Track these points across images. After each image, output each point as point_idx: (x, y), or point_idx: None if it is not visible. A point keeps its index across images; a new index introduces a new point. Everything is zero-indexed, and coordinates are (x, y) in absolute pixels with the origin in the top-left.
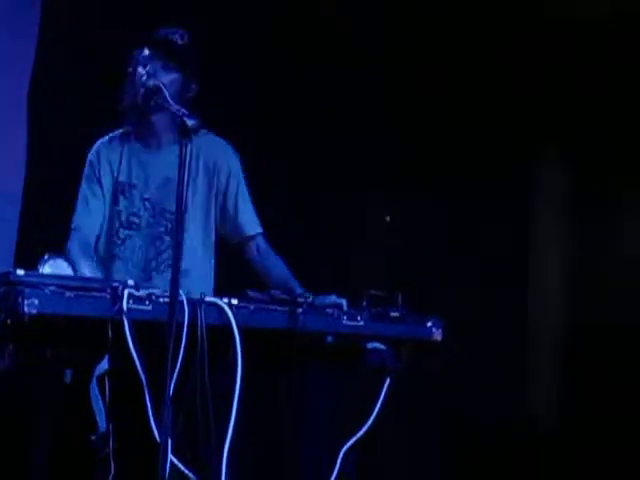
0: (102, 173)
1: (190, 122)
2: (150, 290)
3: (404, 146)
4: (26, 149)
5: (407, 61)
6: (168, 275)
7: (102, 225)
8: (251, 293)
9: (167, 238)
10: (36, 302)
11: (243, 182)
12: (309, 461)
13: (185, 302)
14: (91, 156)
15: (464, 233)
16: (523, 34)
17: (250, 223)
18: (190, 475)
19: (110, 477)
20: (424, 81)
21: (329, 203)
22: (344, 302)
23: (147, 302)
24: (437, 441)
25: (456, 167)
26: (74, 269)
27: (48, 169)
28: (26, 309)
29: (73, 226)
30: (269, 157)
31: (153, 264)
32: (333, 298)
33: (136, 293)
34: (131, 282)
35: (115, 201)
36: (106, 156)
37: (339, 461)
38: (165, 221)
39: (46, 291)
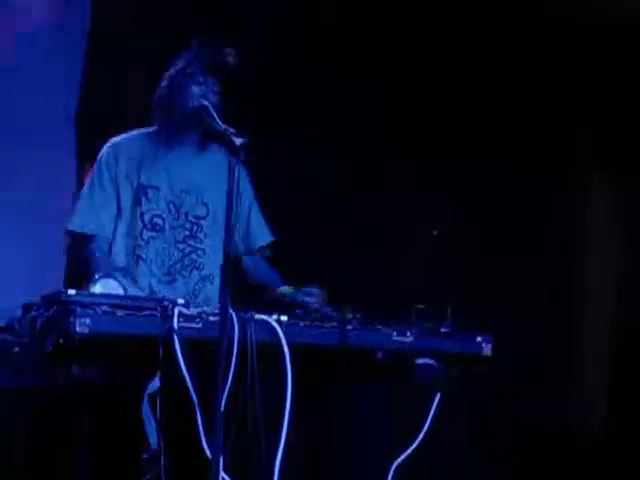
0: (120, 177)
1: (238, 141)
2: (200, 308)
3: (445, 155)
4: (76, 166)
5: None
6: (193, 278)
7: (117, 229)
8: (299, 311)
9: (191, 241)
10: (88, 322)
11: (252, 193)
12: (360, 477)
13: (235, 320)
14: (107, 157)
15: (511, 238)
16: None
17: (262, 234)
18: None
19: None
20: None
21: (374, 216)
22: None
23: (197, 320)
24: (493, 451)
25: (503, 172)
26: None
27: None
28: (78, 329)
29: (90, 232)
30: (306, 166)
31: (178, 267)
32: (314, 290)
33: (186, 311)
34: (181, 300)
35: (138, 202)
36: (126, 156)
37: (390, 477)
38: (189, 224)
39: (98, 310)
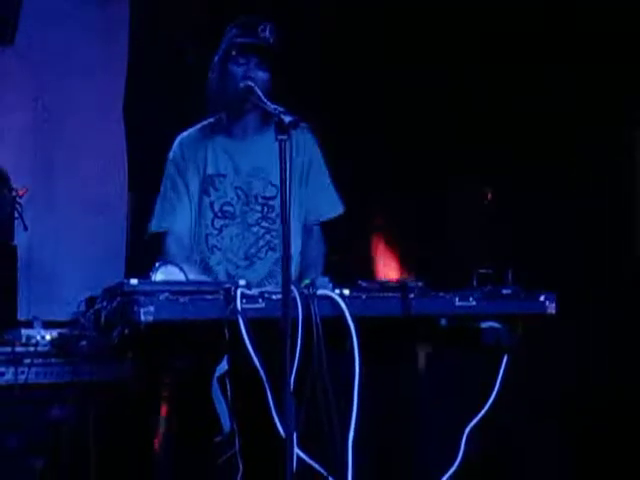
0: (188, 171)
1: (287, 119)
2: (262, 288)
3: (500, 124)
4: (126, 159)
5: None
6: (270, 259)
7: (192, 223)
8: (362, 282)
9: (264, 223)
10: (152, 309)
11: (323, 164)
12: (433, 444)
13: (298, 297)
14: (174, 155)
15: (565, 205)
16: None
17: (331, 206)
18: (317, 467)
19: (239, 476)
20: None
21: (427, 184)
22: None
23: (260, 300)
24: (557, 415)
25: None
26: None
27: (149, 177)
28: (142, 317)
29: (164, 228)
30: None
31: (253, 250)
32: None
33: (249, 292)
34: (242, 282)
35: (206, 192)
36: (191, 152)
37: (463, 442)
38: (259, 206)
39: (161, 298)
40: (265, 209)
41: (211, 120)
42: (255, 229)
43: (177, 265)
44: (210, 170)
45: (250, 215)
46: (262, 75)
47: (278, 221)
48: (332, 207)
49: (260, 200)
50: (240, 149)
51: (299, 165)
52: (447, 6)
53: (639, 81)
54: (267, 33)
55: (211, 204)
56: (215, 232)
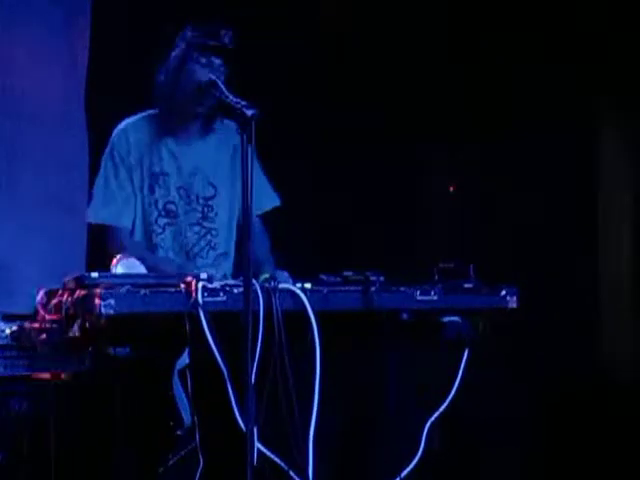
0: (133, 164)
1: (250, 112)
2: (224, 281)
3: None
4: (88, 157)
5: None
6: (210, 258)
7: (135, 217)
8: (323, 276)
9: (204, 223)
10: (112, 302)
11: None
12: (394, 439)
13: (259, 291)
14: (119, 142)
15: (526, 197)
16: None
17: (268, 197)
18: (278, 461)
19: (199, 470)
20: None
21: (390, 176)
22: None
23: (221, 293)
24: (522, 402)
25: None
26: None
27: None
28: (103, 310)
29: (108, 222)
30: (326, 130)
31: (196, 249)
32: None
33: (210, 285)
34: (204, 275)
35: (151, 190)
36: (136, 142)
37: (424, 436)
38: (200, 207)
39: (121, 291)
40: (205, 209)
41: (156, 113)
42: (196, 229)
43: (137, 258)
44: (155, 168)
45: (192, 215)
46: (222, 77)
47: (217, 220)
48: (267, 199)
49: (200, 201)
50: (183, 151)
51: (231, 164)
52: None
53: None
54: (227, 40)
55: (155, 202)
56: (159, 230)
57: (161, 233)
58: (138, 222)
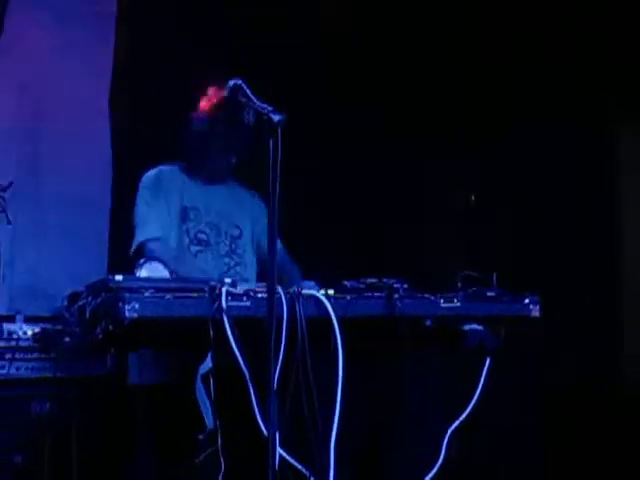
0: (169, 194)
1: (276, 118)
2: (247, 287)
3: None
4: (111, 155)
5: None
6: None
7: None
8: (347, 283)
9: (233, 256)
10: (136, 306)
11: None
12: (415, 445)
13: (283, 297)
14: (154, 180)
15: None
16: None
17: None
18: (299, 466)
19: (220, 473)
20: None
21: (409, 185)
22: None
23: (245, 298)
24: (537, 409)
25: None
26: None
27: (134, 177)
28: (127, 314)
29: (154, 236)
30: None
31: None
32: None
33: (234, 290)
34: (228, 280)
35: (183, 220)
36: (170, 181)
37: (445, 444)
38: (228, 241)
39: (146, 295)
40: (233, 245)
41: (184, 165)
42: (226, 260)
43: (162, 262)
44: (186, 202)
45: (222, 246)
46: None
47: (245, 257)
48: None
49: (229, 238)
50: (209, 193)
51: (251, 210)
52: None
53: (622, 82)
54: (251, 118)
55: (187, 231)
56: (191, 256)
57: (194, 258)
58: (173, 246)
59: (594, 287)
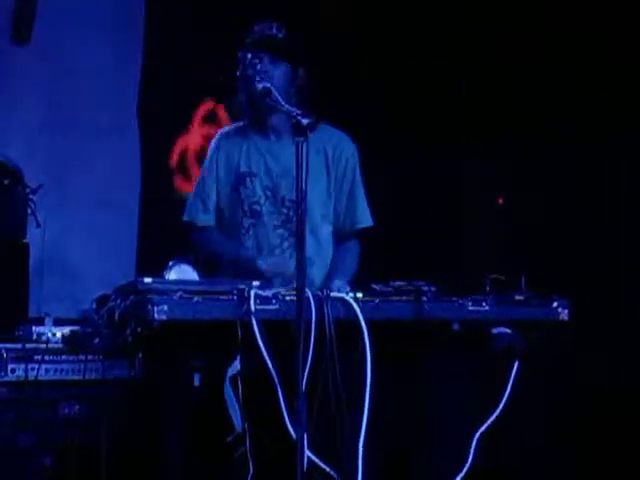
0: (220, 166)
1: (305, 121)
2: (275, 289)
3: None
4: (140, 157)
5: None
6: (293, 262)
7: (222, 215)
8: (375, 286)
9: (288, 225)
10: (165, 308)
11: (359, 173)
12: (443, 449)
13: (312, 299)
14: (211, 150)
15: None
16: None
17: (364, 215)
18: (327, 469)
19: (249, 476)
20: None
21: (441, 190)
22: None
23: (274, 301)
24: (570, 415)
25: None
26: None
27: (162, 179)
28: (156, 316)
29: (193, 221)
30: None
31: (277, 251)
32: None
33: (262, 293)
34: (256, 283)
35: (237, 191)
36: (225, 149)
37: (473, 448)
38: (285, 209)
39: (174, 297)
40: (291, 212)
41: (246, 121)
42: (280, 231)
43: (190, 264)
44: (243, 168)
45: (276, 217)
46: (277, 72)
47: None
48: (364, 217)
49: (287, 203)
50: (272, 150)
51: (340, 170)
52: None
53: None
54: (274, 30)
55: (241, 202)
56: (243, 231)
57: (245, 234)
58: (224, 222)
59: (624, 290)
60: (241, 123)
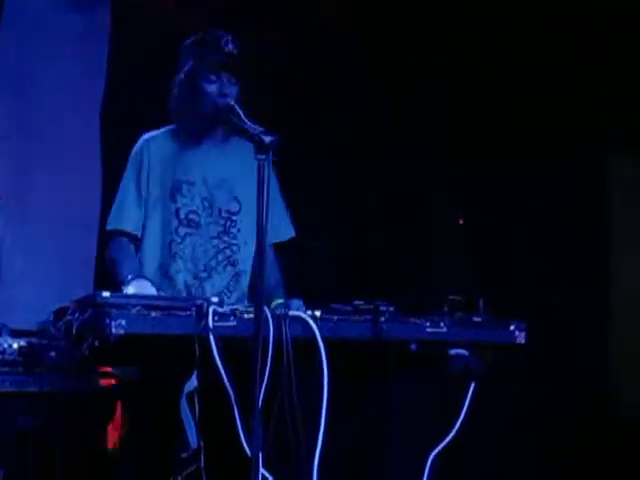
0: (152, 171)
1: (267, 139)
2: (234, 306)
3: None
4: (101, 179)
5: None
6: (229, 273)
7: (150, 225)
8: (333, 305)
9: (225, 237)
10: (123, 323)
11: (277, 188)
12: (398, 469)
13: (270, 317)
14: (139, 152)
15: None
16: None
17: (285, 228)
18: None
19: None
20: None
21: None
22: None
23: (232, 318)
24: (528, 437)
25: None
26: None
27: None
28: (114, 330)
29: (116, 228)
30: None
31: (213, 263)
32: (295, 302)
33: (220, 310)
34: (215, 299)
35: (172, 198)
36: (158, 153)
37: (428, 467)
38: (222, 220)
39: (132, 311)
40: (228, 223)
41: (174, 127)
42: (215, 242)
43: (149, 279)
44: (179, 176)
45: (213, 227)
46: (235, 90)
47: (239, 237)
48: (285, 230)
49: (223, 214)
50: (209, 159)
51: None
52: None
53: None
54: (231, 46)
55: (177, 211)
56: (178, 240)
57: (180, 243)
58: (157, 230)
59: (584, 314)
60: (169, 127)
